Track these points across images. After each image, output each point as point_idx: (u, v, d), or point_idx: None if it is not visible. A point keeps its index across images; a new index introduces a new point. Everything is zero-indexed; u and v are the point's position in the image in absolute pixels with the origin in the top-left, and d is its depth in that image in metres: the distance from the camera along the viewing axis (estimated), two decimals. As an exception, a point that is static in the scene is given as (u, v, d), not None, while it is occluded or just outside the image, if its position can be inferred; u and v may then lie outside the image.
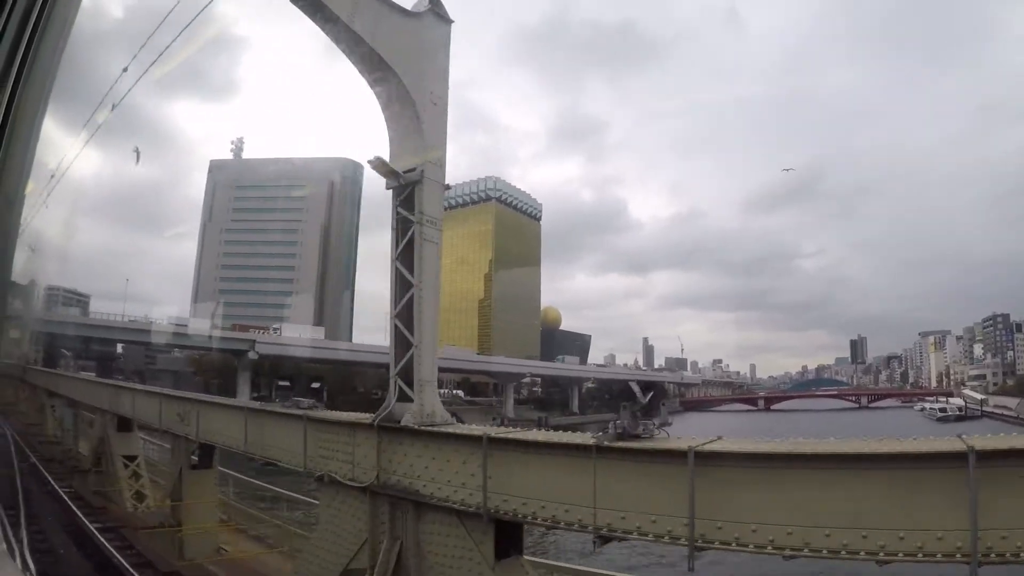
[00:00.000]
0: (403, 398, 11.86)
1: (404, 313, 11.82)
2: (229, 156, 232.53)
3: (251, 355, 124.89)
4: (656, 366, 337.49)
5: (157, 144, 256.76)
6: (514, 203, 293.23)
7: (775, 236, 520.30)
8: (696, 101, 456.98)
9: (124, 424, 29.06)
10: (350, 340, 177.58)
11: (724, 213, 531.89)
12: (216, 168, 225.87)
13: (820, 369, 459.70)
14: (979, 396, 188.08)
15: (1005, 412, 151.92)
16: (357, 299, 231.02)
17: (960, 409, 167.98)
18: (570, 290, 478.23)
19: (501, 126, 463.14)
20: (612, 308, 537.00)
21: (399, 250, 11.92)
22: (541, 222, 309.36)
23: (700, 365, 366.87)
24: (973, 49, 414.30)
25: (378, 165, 11.97)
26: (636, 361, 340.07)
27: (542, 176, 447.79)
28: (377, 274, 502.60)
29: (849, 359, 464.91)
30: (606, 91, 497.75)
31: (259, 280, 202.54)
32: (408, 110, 12.12)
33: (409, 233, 11.82)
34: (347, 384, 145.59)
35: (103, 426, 30.64)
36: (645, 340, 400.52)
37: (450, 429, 11.45)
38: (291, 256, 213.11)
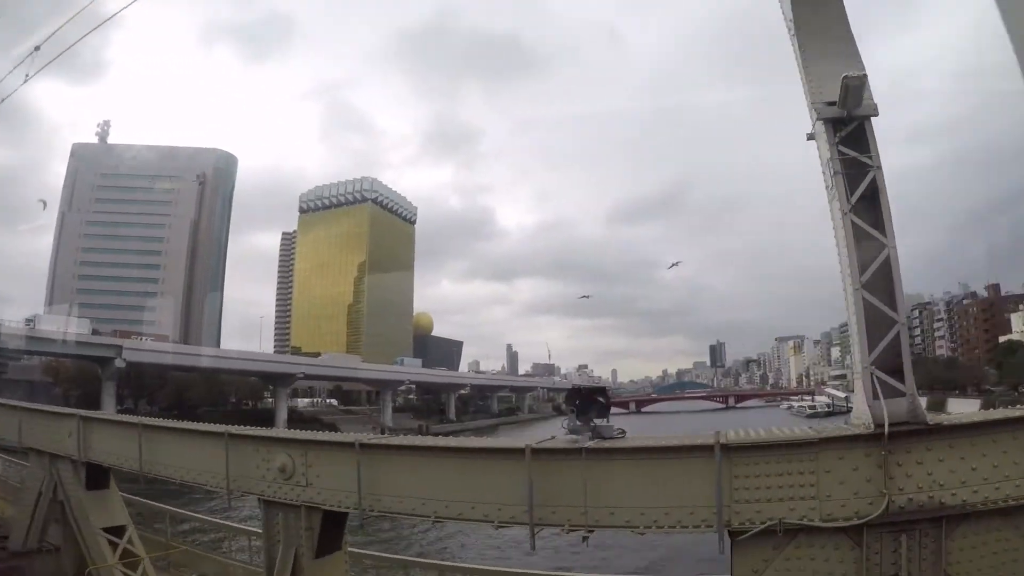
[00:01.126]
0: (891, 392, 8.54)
1: (875, 282, 8.78)
2: (94, 140, 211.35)
3: (118, 363, 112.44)
4: (520, 372, 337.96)
5: (12, 126, 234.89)
6: (390, 206, 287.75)
7: (639, 246, 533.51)
8: (571, 114, 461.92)
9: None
10: (217, 346, 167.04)
11: (591, 223, 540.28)
12: (79, 153, 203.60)
13: (680, 373, 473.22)
14: (842, 394, 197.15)
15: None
16: (226, 303, 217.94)
17: (828, 406, 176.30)
18: (435, 296, 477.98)
19: (376, 129, 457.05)
20: (476, 315, 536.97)
21: (853, 201, 8.85)
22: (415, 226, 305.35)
23: (564, 371, 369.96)
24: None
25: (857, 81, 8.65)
26: (503, 367, 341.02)
27: (413, 181, 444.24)
28: (247, 277, 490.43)
29: (707, 363, 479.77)
30: (483, 99, 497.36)
31: (122, 280, 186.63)
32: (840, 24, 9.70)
33: (868, 179, 8.87)
34: (217, 394, 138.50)
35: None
36: (509, 347, 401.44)
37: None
38: (157, 254, 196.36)
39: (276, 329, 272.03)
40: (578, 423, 9.81)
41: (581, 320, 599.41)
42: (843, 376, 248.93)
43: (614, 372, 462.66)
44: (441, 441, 11.11)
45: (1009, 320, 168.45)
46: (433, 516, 10.17)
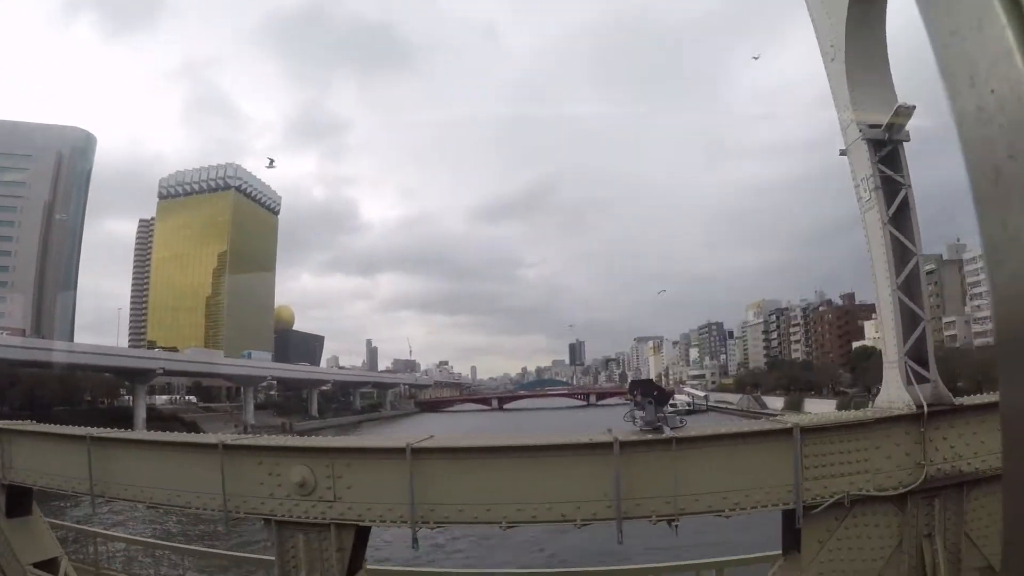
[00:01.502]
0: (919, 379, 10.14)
1: (907, 285, 10.44)
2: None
3: None
4: (381, 368, 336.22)
5: None
6: (254, 194, 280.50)
7: (502, 245, 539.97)
8: (442, 110, 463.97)
9: None
10: (71, 340, 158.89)
11: (454, 220, 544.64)
12: None
13: (541, 371, 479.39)
14: (701, 393, 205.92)
15: (728, 406, 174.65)
16: (80, 294, 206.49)
17: (689, 404, 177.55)
18: (295, 289, 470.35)
19: (242, 114, 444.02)
20: (338, 309, 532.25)
21: (891, 214, 10.43)
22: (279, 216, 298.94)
23: (424, 367, 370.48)
24: (700, 94, 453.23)
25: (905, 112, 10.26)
26: (363, 363, 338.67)
27: (277, 170, 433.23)
28: (100, 267, 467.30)
29: (566, 361, 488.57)
30: (354, 90, 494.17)
31: None
32: (878, 50, 10.79)
33: (900, 196, 10.48)
34: (72, 391, 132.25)
35: None
36: (369, 342, 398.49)
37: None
38: (7, 239, 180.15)
39: (131, 323, 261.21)
40: (657, 414, 9.91)
41: (441, 316, 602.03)
42: (701, 376, 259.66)
43: (474, 369, 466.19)
44: (511, 440, 10.79)
45: (863, 327, 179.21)
46: (504, 522, 9.82)
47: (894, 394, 10.15)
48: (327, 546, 10.42)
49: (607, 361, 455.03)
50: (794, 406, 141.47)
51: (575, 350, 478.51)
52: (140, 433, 15.73)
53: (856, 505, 9.51)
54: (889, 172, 10.52)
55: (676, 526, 9.57)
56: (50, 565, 13.90)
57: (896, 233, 10.41)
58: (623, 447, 9.48)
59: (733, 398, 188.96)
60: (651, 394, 10.06)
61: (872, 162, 10.50)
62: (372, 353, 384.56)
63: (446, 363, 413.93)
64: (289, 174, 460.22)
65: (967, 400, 10.36)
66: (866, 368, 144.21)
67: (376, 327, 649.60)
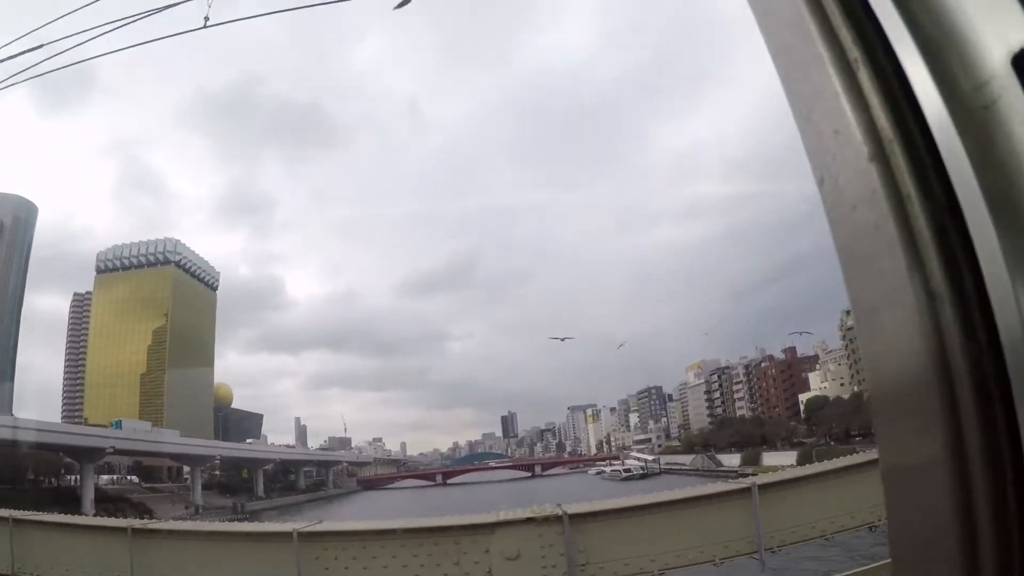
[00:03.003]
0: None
1: None
2: None
3: None
4: (312, 446, 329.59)
5: None
6: (193, 270, 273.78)
7: (427, 319, 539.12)
8: (368, 188, 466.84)
9: None
10: (11, 415, 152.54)
11: (379, 295, 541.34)
12: None
13: (473, 444, 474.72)
14: (650, 457, 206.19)
15: (682, 467, 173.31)
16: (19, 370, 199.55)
17: (643, 468, 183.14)
18: (221, 368, 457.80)
19: (170, 191, 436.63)
20: (263, 387, 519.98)
21: None
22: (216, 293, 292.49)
23: (356, 444, 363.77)
24: (615, 159, 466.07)
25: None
26: (294, 442, 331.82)
27: (203, 248, 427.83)
28: (35, 341, 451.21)
29: (496, 434, 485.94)
30: (282, 169, 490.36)
31: None
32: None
33: None
34: (14, 469, 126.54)
35: None
36: (298, 420, 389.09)
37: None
38: None
39: (64, 399, 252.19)
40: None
41: (369, 393, 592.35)
42: (647, 440, 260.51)
43: (403, 445, 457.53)
44: (662, 497, 11.26)
45: (807, 378, 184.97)
46: (663, 569, 10.34)
47: None
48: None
49: (542, 432, 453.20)
50: (751, 461, 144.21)
51: (507, 422, 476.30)
52: (187, 524, 15.21)
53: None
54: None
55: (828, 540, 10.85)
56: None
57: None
58: (762, 489, 10.75)
59: (684, 459, 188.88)
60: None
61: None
62: (301, 431, 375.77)
63: (379, 440, 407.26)
64: (217, 252, 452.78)
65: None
66: (820, 417, 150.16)
67: (303, 404, 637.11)
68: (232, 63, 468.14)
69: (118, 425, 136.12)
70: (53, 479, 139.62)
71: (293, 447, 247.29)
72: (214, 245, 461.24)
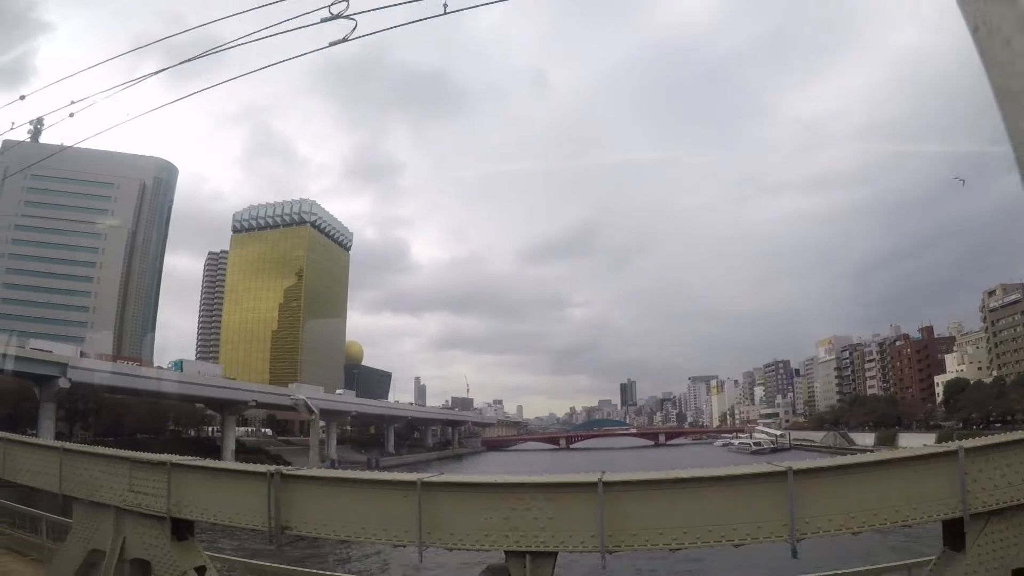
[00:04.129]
0: None
1: None
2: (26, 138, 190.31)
3: (62, 383, 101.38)
4: (428, 406, 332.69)
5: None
6: (327, 230, 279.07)
7: (549, 285, 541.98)
8: (493, 152, 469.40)
9: None
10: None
11: (502, 260, 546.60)
12: (9, 150, 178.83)
13: (590, 411, 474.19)
14: (777, 432, 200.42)
15: (812, 444, 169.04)
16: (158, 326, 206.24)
17: (773, 443, 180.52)
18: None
19: (298, 157, 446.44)
20: (385, 347, 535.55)
21: None
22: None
23: (477, 405, 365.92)
24: (736, 128, 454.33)
25: None
26: (411, 402, 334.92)
27: (331, 211, 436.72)
28: (178, 300, 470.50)
29: (612, 401, 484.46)
30: (408, 134, 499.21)
31: (52, 291, 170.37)
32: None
33: None
34: (158, 420, 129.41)
35: None
36: (417, 380, 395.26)
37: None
38: (91, 265, 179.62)
39: (198, 353, 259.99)
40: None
41: (488, 356, 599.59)
42: (774, 415, 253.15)
43: (519, 408, 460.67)
44: (699, 472, 10.66)
45: (943, 360, 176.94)
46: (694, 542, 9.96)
47: None
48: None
49: (662, 401, 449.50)
50: (887, 441, 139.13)
51: (626, 390, 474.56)
52: (325, 471, 15.25)
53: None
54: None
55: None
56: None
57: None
58: (797, 475, 9.82)
59: (813, 435, 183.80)
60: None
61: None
62: (420, 390, 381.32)
63: (500, 402, 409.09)
64: (344, 214, 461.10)
65: None
66: (961, 401, 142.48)
67: (423, 365, 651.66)
68: (358, 31, 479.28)
69: (179, 366, 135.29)
70: (192, 430, 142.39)
71: (413, 405, 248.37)
72: (341, 209, 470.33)
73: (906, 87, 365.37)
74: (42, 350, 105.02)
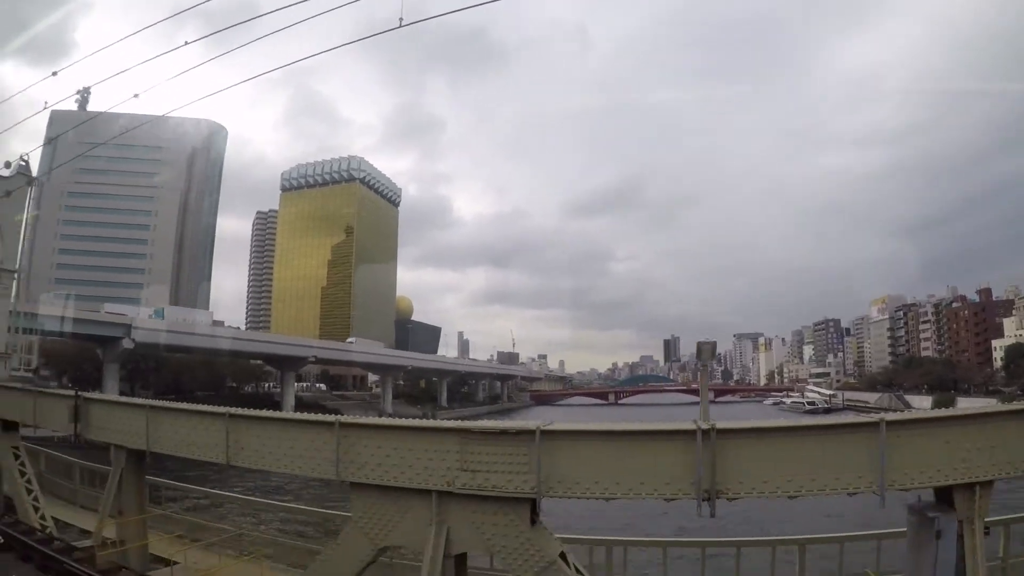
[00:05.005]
0: None
1: None
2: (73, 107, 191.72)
3: (125, 343, 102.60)
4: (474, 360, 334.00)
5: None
6: (376, 186, 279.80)
7: (591, 239, 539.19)
8: (533, 106, 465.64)
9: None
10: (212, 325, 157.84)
11: (544, 215, 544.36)
12: (59, 121, 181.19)
13: (632, 366, 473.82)
14: (828, 392, 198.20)
15: (866, 405, 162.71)
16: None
17: (826, 402, 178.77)
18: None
19: (340, 118, 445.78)
20: (427, 302, 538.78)
21: None
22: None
23: (522, 360, 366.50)
24: (784, 81, 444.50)
25: None
26: (457, 355, 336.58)
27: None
28: (226, 261, 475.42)
29: (655, 357, 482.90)
30: (447, 91, 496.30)
31: (107, 255, 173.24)
32: None
33: None
34: (216, 377, 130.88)
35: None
36: (460, 334, 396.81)
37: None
38: (144, 228, 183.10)
39: (248, 310, 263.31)
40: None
41: (530, 310, 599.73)
42: (825, 374, 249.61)
43: (561, 363, 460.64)
44: (796, 422, 10.86)
45: (1001, 324, 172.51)
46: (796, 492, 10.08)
47: None
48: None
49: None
50: (945, 405, 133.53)
51: (670, 345, 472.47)
52: (384, 420, 13.64)
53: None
54: None
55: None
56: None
57: None
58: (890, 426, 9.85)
59: (866, 396, 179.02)
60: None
61: None
62: (464, 345, 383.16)
63: (544, 357, 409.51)
64: (386, 172, 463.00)
65: None
66: (1020, 366, 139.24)
67: (466, 319, 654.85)
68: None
69: (160, 315, 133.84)
70: (249, 386, 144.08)
71: (460, 360, 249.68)
72: (384, 167, 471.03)
73: (955, 37, 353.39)
74: (117, 313, 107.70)
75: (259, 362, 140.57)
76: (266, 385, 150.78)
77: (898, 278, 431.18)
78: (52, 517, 20.63)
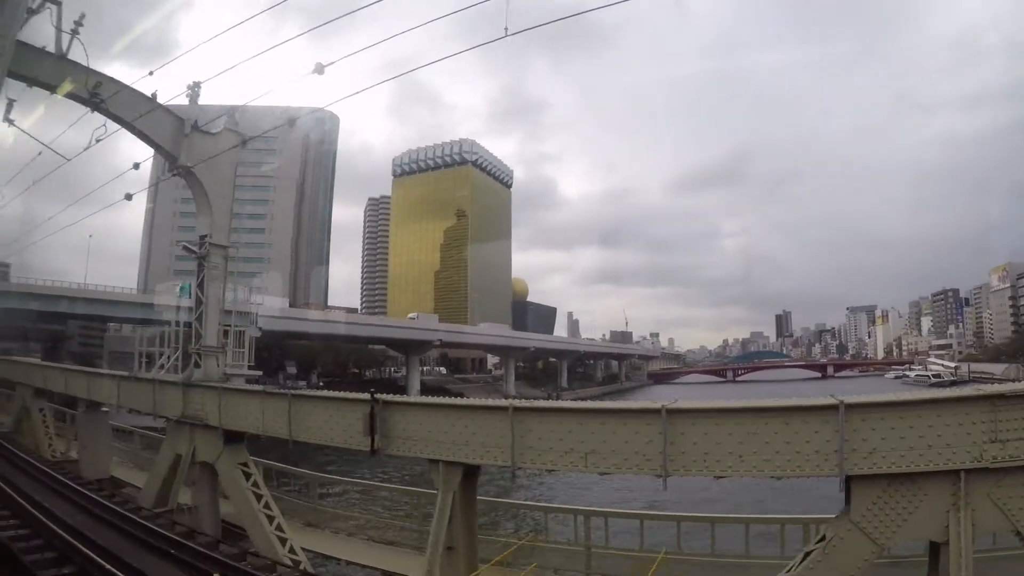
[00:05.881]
0: None
1: None
2: (184, 103, 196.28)
3: (251, 332, 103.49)
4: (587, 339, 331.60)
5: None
6: (488, 168, 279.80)
7: (699, 216, 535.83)
8: (636, 84, 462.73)
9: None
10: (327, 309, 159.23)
11: (651, 193, 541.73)
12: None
13: (744, 343, 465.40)
14: (951, 364, 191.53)
15: (992, 377, 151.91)
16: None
17: (952, 375, 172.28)
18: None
19: (444, 104, 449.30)
20: (535, 283, 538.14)
21: None
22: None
23: (635, 339, 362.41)
24: (888, 44, 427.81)
25: None
26: (567, 335, 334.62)
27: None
28: (339, 248, 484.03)
29: (765, 333, 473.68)
30: (550, 72, 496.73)
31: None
32: None
33: None
34: (340, 363, 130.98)
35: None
36: (570, 315, 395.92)
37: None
38: (262, 217, 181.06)
39: (363, 294, 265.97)
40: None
41: (640, 289, 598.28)
42: (947, 346, 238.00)
43: (671, 341, 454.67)
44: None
45: None
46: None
47: None
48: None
49: (820, 332, 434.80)
50: None
51: (781, 321, 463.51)
52: (553, 403, 13.27)
53: None
54: None
55: None
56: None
57: None
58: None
59: (991, 368, 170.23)
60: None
61: None
62: (573, 325, 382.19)
63: (656, 335, 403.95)
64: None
65: None
66: None
67: (575, 299, 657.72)
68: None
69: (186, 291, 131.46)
70: (370, 371, 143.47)
71: (575, 340, 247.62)
72: (490, 149, 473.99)
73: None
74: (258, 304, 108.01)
75: (381, 347, 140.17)
76: (388, 370, 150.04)
77: (1019, 244, 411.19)
78: (303, 548, 16.93)
